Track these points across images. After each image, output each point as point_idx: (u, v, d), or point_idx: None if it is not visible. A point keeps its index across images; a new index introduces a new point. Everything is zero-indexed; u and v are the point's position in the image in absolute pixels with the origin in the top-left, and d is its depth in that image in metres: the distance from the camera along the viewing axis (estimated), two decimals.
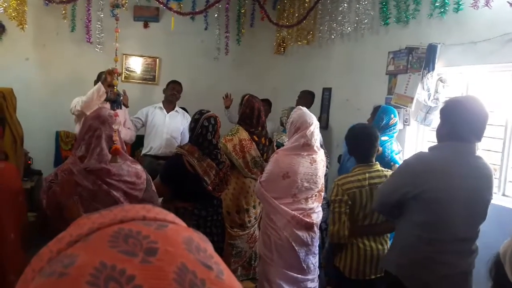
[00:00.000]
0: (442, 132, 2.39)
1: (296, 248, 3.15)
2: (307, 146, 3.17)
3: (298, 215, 3.13)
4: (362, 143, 2.92)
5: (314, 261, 3.27)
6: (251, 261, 4.20)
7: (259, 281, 3.44)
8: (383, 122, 3.82)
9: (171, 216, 0.51)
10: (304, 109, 3.34)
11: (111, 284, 0.38)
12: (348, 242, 2.86)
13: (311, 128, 3.18)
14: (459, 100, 2.52)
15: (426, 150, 2.54)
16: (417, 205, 2.32)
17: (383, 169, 2.94)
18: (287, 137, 3.39)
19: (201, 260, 0.44)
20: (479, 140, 2.32)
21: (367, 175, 2.84)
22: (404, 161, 2.58)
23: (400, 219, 2.48)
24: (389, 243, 2.89)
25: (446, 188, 2.25)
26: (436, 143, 2.48)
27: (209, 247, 0.48)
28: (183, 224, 0.52)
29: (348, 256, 2.84)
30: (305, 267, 3.21)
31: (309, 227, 3.17)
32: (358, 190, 2.80)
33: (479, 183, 2.31)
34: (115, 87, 2.55)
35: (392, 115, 3.82)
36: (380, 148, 3.63)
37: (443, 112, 2.43)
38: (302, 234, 3.15)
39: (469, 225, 2.32)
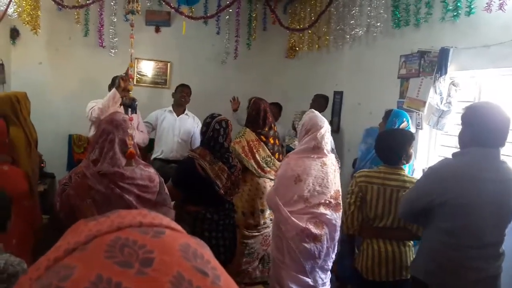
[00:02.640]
0: (465, 138, 2.40)
1: (302, 261, 3.12)
2: (317, 148, 3.16)
3: (309, 226, 3.08)
4: (387, 145, 2.93)
5: (323, 276, 3.22)
6: (264, 262, 4.19)
7: (270, 285, 3.43)
8: (396, 126, 3.80)
9: (166, 220, 0.51)
10: (316, 112, 3.33)
11: None
12: (363, 240, 2.92)
13: (322, 131, 3.16)
14: (480, 105, 2.54)
15: (450, 156, 2.54)
16: (444, 211, 2.33)
17: (407, 175, 2.92)
18: (298, 139, 3.38)
19: (197, 267, 0.44)
20: (503, 145, 2.33)
21: (384, 175, 2.85)
22: (429, 168, 2.59)
23: (426, 226, 2.49)
24: (411, 247, 2.89)
25: (472, 193, 2.27)
26: (459, 149, 2.49)
27: (206, 252, 0.49)
28: (179, 228, 0.52)
29: (364, 256, 2.87)
30: (311, 280, 3.17)
31: (316, 239, 3.12)
32: (370, 185, 2.84)
33: (505, 187, 2.31)
34: (130, 92, 2.57)
35: (404, 119, 3.80)
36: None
37: (465, 118, 2.44)
38: (311, 247, 3.11)
39: (496, 230, 2.34)
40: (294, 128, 4.95)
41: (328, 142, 3.24)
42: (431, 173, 2.50)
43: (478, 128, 2.32)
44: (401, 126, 3.69)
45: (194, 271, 0.43)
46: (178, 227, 0.52)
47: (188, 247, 0.46)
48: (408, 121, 3.81)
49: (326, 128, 3.20)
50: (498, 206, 2.29)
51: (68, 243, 0.46)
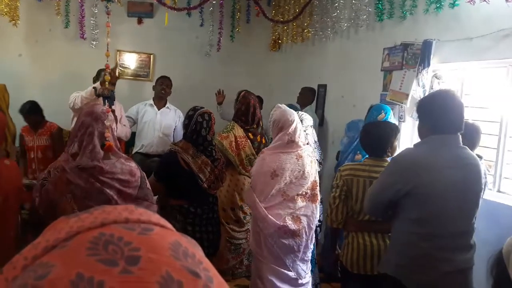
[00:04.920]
0: (424, 129, 2.40)
1: (282, 256, 3.12)
2: (291, 142, 3.16)
3: (286, 222, 3.08)
4: (372, 137, 2.93)
5: (305, 267, 3.23)
6: (250, 257, 4.19)
7: (252, 278, 3.42)
8: (372, 119, 3.80)
9: (155, 217, 0.48)
10: (283, 106, 3.31)
11: None
12: (347, 233, 2.92)
13: (293, 125, 3.17)
14: (433, 95, 2.57)
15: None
16: (410, 202, 2.31)
17: None
18: (272, 136, 3.37)
19: (188, 267, 0.41)
20: (461, 130, 2.31)
21: (369, 167, 2.85)
22: (391, 159, 2.58)
23: (395, 219, 2.46)
24: None
25: (435, 181, 2.24)
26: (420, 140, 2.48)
27: (197, 251, 0.46)
28: (169, 225, 0.49)
29: (349, 250, 2.87)
30: (295, 274, 3.17)
31: (295, 234, 3.12)
32: (355, 178, 2.84)
33: (468, 174, 2.29)
34: (106, 82, 2.52)
35: (382, 111, 3.79)
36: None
37: (420, 109, 2.44)
38: (289, 242, 3.11)
39: (463, 217, 2.30)
40: None
41: (301, 134, 3.23)
42: (393, 164, 2.49)
43: (434, 116, 2.31)
44: (378, 118, 3.69)
45: (184, 271, 0.40)
46: (168, 224, 0.49)
47: (179, 245, 0.43)
48: (388, 113, 3.78)
49: (296, 121, 3.20)
50: (462, 193, 2.26)
51: (47, 240, 0.42)
